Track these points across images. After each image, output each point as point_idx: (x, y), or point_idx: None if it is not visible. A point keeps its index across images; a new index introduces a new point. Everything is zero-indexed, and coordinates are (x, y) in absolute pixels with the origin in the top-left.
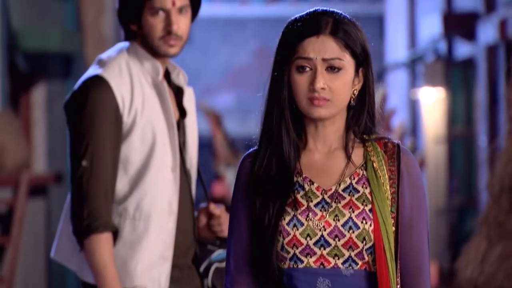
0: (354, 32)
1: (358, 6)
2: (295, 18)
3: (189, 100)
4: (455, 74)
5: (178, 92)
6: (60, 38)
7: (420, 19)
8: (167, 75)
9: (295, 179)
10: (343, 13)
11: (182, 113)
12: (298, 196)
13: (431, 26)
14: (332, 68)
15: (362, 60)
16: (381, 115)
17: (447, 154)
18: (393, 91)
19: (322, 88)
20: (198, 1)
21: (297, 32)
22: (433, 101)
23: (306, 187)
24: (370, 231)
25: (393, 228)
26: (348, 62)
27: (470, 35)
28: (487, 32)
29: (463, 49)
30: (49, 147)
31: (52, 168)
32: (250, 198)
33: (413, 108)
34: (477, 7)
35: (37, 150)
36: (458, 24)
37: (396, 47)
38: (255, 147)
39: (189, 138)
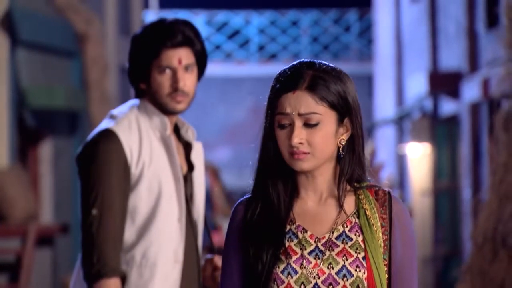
0: (333, 84)
1: (348, 65)
2: (281, 72)
3: (198, 155)
4: (440, 130)
5: (186, 147)
6: (66, 95)
7: (407, 78)
8: (176, 130)
9: (288, 227)
10: (326, 64)
11: (190, 166)
12: (292, 244)
13: (417, 85)
14: (310, 123)
15: (345, 110)
16: (370, 169)
17: (433, 206)
18: (381, 146)
19: (300, 143)
20: (203, 60)
21: (277, 88)
22: (419, 156)
23: (300, 235)
24: (363, 278)
25: (386, 275)
26: (326, 114)
27: (454, 93)
28: (471, 91)
29: (448, 106)
30: (55, 199)
31: (58, 219)
32: (243, 245)
33: (401, 162)
34: (461, 66)
35: (44, 202)
36: (443, 83)
37: (384, 105)
38: (248, 195)
39: (196, 191)
